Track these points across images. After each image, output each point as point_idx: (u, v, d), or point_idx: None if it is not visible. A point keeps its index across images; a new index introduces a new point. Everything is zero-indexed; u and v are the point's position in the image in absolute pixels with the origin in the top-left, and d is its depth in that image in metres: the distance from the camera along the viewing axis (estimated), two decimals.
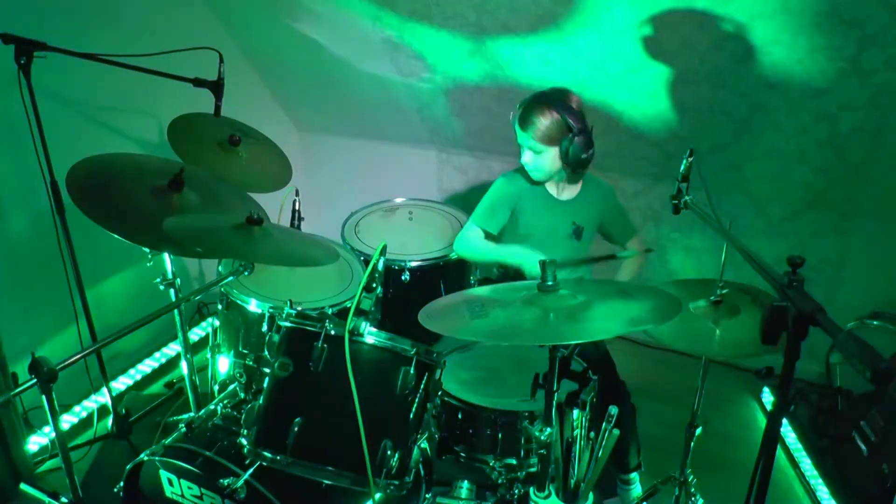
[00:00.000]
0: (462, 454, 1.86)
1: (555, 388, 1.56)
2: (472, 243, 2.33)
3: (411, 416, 1.63)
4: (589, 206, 2.36)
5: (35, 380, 1.32)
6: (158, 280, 2.14)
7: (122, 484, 1.79)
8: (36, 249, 2.43)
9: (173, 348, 3.07)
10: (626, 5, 2.34)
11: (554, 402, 1.58)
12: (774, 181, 2.81)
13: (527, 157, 2.25)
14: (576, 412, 1.64)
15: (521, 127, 2.19)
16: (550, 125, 2.15)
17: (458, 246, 2.38)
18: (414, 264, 2.45)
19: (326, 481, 1.59)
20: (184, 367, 2.34)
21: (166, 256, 2.11)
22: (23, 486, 2.15)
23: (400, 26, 2.79)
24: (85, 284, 2.26)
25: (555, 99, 2.16)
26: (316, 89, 3.48)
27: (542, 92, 2.21)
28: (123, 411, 2.56)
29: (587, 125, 2.17)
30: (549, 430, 1.58)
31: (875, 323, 2.65)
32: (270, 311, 1.87)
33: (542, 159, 2.22)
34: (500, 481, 1.84)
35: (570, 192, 2.35)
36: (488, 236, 2.35)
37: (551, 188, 2.34)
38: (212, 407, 1.93)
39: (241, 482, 1.60)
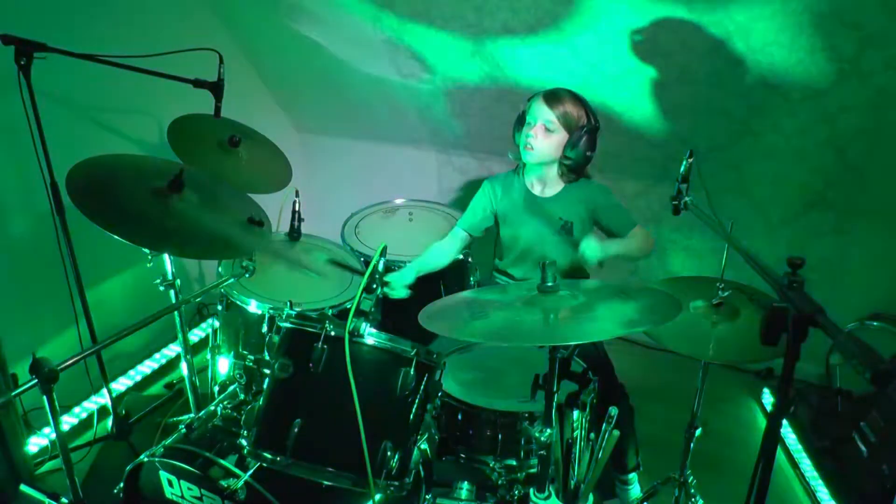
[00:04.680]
0: (462, 455, 1.85)
1: (555, 389, 1.57)
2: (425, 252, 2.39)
3: (411, 416, 1.63)
4: (574, 202, 2.30)
5: (35, 380, 1.32)
6: (158, 281, 2.14)
7: (122, 485, 1.79)
8: (36, 250, 2.43)
9: (173, 349, 3.07)
10: (626, 6, 2.34)
11: (554, 403, 1.58)
12: (774, 182, 2.81)
13: (534, 132, 2.21)
14: (576, 413, 1.64)
15: (547, 102, 2.19)
16: (574, 109, 2.19)
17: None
18: None
19: (326, 482, 1.59)
20: (184, 368, 2.34)
21: (166, 257, 2.10)
22: (23, 487, 2.14)
23: (399, 27, 2.79)
24: (85, 285, 2.26)
25: (579, 95, 2.23)
26: (316, 90, 3.48)
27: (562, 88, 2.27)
28: (123, 412, 2.56)
29: (598, 125, 2.22)
30: (548, 431, 1.58)
31: (875, 324, 2.65)
32: (270, 311, 1.87)
33: (549, 140, 2.20)
34: (500, 482, 1.84)
35: (552, 190, 2.32)
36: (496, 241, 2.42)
37: (534, 187, 2.33)
38: (212, 408, 1.94)
39: (241, 483, 1.60)
